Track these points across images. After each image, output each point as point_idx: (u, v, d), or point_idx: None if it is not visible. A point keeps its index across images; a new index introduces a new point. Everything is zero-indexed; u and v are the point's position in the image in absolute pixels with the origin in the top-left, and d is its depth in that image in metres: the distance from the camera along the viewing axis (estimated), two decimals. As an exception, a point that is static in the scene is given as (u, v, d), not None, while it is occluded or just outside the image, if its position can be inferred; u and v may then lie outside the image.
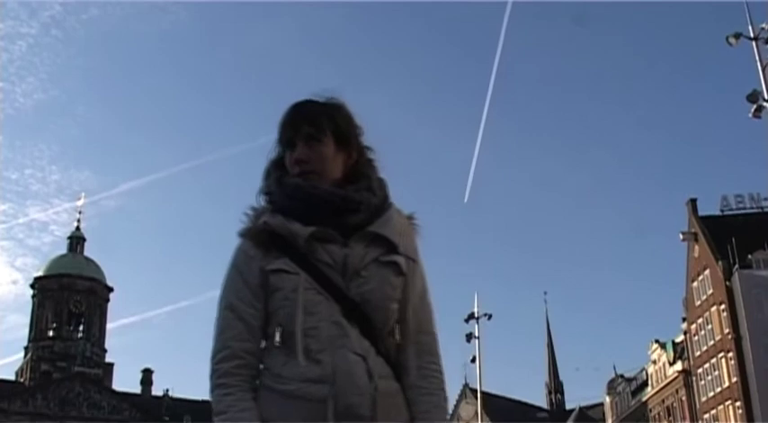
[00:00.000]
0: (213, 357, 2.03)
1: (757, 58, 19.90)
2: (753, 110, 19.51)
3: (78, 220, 69.35)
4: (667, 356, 56.06)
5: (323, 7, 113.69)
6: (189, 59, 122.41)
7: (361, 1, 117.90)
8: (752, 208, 50.39)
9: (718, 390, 47.52)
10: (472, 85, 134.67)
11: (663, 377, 56.50)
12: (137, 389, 63.07)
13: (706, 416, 49.30)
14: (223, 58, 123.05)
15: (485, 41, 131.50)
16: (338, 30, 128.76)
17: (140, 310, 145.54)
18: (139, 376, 64.14)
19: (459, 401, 75.45)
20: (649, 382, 59.27)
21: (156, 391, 62.94)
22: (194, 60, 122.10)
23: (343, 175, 2.12)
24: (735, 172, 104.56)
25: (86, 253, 68.39)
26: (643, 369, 61.04)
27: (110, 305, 67.43)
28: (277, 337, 2.00)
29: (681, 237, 52.04)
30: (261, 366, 2.05)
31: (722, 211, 50.60)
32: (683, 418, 52.70)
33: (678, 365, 53.84)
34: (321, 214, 2.03)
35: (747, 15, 20.58)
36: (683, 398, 52.82)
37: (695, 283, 50.97)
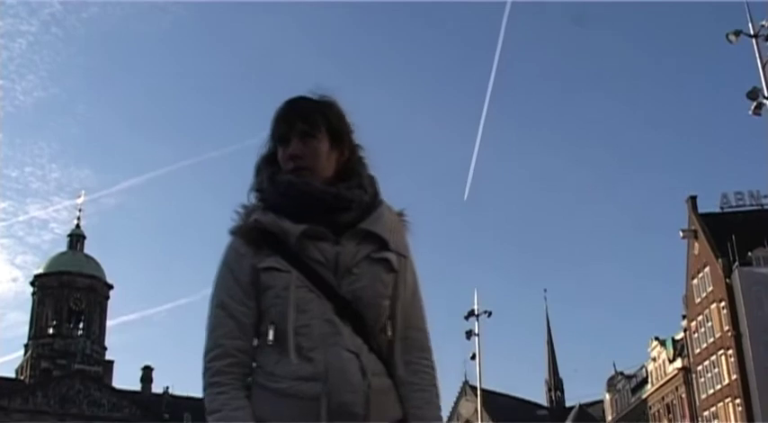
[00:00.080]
0: (205, 356, 2.02)
1: (757, 55, 19.93)
2: (753, 107, 19.53)
3: (78, 218, 69.62)
4: (667, 354, 56.08)
5: (323, 6, 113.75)
6: (189, 57, 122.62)
7: (362, 0, 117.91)
8: (752, 205, 50.43)
9: (718, 387, 47.55)
10: (472, 81, 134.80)
11: (663, 374, 56.52)
12: (137, 386, 63.29)
13: (706, 413, 49.33)
14: (223, 56, 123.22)
15: (484, 38, 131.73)
16: (338, 27, 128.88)
17: (140, 307, 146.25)
18: (139, 374, 64.44)
19: (459, 398, 75.70)
20: (649, 380, 59.29)
21: (156, 388, 63.25)
22: (194, 58, 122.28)
23: (335, 173, 2.11)
24: (735, 169, 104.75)
25: (86, 250, 68.60)
26: (643, 366, 61.06)
27: (110, 303, 67.69)
28: (270, 336, 2.00)
29: (681, 234, 52.07)
30: (254, 365, 2.04)
31: (722, 208, 50.66)
32: (683, 416, 52.73)
33: (678, 363, 53.87)
34: (313, 212, 2.03)
35: (747, 13, 20.60)
36: (683, 395, 52.84)
37: (695, 281, 50.98)
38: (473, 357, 34.74)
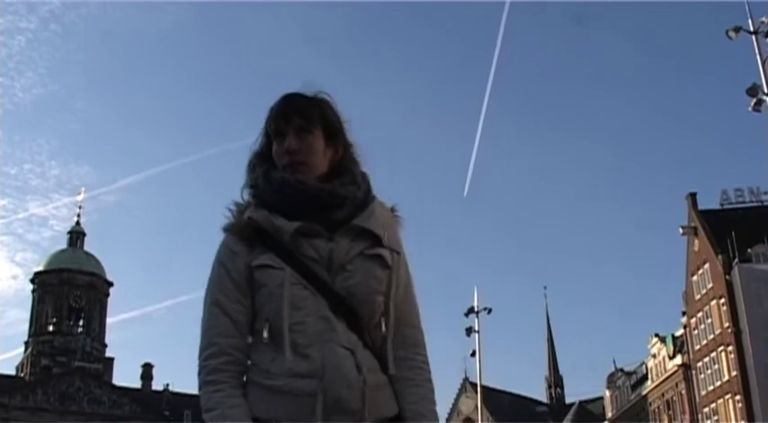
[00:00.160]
0: (201, 354, 2.02)
1: (757, 51, 19.91)
2: (752, 103, 19.52)
3: (78, 215, 69.56)
4: (667, 350, 56.11)
5: (323, 6, 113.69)
6: (189, 55, 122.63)
7: (362, 0, 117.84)
8: (751, 202, 50.36)
9: (718, 384, 47.56)
10: (471, 80, 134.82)
11: (662, 371, 56.54)
12: (137, 383, 63.30)
13: (706, 410, 49.36)
14: (222, 55, 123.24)
15: (484, 38, 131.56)
16: (338, 27, 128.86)
17: (140, 304, 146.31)
18: (140, 371, 64.47)
19: (459, 395, 75.85)
20: (649, 376, 59.32)
21: (157, 385, 63.26)
22: (194, 56, 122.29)
23: (329, 170, 2.11)
24: (734, 166, 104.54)
25: (86, 248, 68.53)
26: (643, 363, 61.07)
27: (110, 300, 67.66)
28: (264, 333, 1.99)
29: (680, 231, 52.02)
30: (249, 362, 2.04)
31: (722, 205, 50.61)
32: (683, 412, 52.77)
33: (678, 359, 53.89)
34: (308, 209, 2.03)
35: (747, 9, 20.58)
36: (683, 392, 52.87)
37: (695, 277, 50.99)
38: (473, 354, 34.76)
